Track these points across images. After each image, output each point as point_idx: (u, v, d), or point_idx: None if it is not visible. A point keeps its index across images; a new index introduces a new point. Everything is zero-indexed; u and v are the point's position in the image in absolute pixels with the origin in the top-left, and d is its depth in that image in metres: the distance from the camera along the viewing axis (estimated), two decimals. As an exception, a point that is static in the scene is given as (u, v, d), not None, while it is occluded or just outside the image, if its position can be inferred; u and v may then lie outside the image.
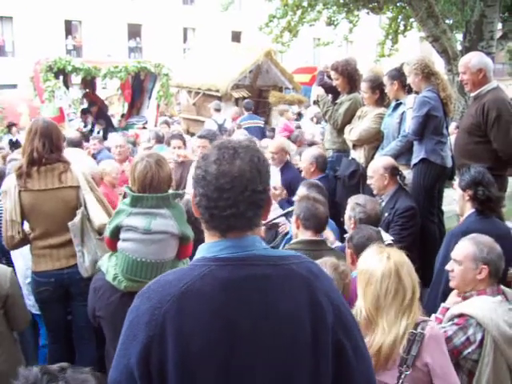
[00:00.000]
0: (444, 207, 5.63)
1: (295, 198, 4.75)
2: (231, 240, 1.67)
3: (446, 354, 2.65)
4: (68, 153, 6.68)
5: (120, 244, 3.31)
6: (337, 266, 3.15)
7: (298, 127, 12.02)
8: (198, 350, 1.55)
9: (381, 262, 2.66)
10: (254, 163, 1.66)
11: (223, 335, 1.56)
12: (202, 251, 1.72)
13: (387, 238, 4.44)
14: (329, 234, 4.38)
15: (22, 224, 4.05)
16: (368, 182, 5.11)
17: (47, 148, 4.00)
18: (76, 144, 7.49)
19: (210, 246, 1.70)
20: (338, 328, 1.68)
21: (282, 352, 1.61)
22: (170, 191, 3.43)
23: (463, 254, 3.18)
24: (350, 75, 6.07)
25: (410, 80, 5.27)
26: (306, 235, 3.79)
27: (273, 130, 12.05)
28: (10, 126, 14.05)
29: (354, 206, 4.27)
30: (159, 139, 8.92)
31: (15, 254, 4.51)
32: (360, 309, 2.66)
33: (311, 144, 8.67)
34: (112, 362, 3.35)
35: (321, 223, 3.84)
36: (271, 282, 1.64)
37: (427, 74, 5.16)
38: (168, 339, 1.55)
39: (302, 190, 4.69)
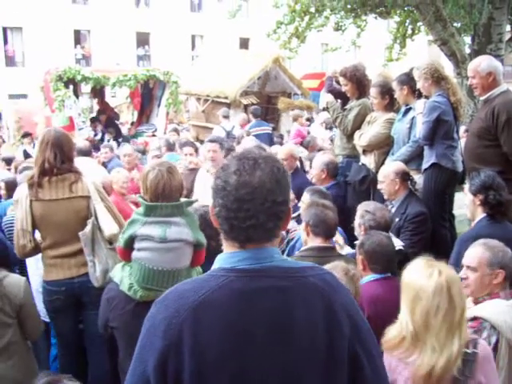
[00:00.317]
0: (455, 211, 5.60)
1: (300, 205, 4.75)
2: (250, 251, 1.67)
3: (496, 372, 2.62)
4: (79, 162, 6.76)
5: (135, 253, 3.31)
6: (347, 270, 3.16)
7: (308, 132, 12.02)
8: (213, 360, 1.56)
9: (431, 278, 2.53)
10: (274, 174, 1.66)
11: (237, 345, 1.58)
12: (219, 261, 1.72)
13: (397, 243, 4.43)
14: (339, 238, 4.38)
15: (34, 233, 4.08)
16: (379, 186, 5.10)
17: (59, 159, 4.04)
18: (85, 153, 7.54)
19: (229, 256, 1.70)
20: (354, 340, 1.68)
21: (295, 361, 1.61)
22: (183, 199, 3.44)
23: (478, 260, 3.14)
24: (358, 81, 6.06)
25: (419, 85, 5.25)
26: (315, 242, 3.78)
27: (281, 136, 12.03)
28: (24, 136, 14.07)
29: (363, 214, 4.26)
30: (170, 147, 8.96)
31: (30, 263, 4.55)
32: (406, 323, 2.55)
33: (319, 149, 8.67)
34: (126, 372, 3.35)
35: (330, 229, 3.84)
36: (287, 294, 1.64)
37: (437, 78, 5.13)
38: (185, 348, 1.56)
39: (305, 197, 4.69)
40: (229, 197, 1.63)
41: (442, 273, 2.53)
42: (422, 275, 2.56)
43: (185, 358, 1.56)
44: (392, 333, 2.59)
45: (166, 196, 3.27)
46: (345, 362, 1.66)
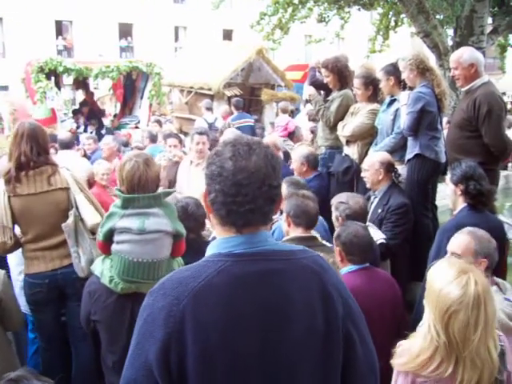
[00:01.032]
0: (437, 202, 5.64)
1: None
2: (245, 236, 1.69)
3: None
4: (61, 156, 6.71)
5: (115, 246, 3.29)
6: (326, 257, 3.17)
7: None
8: (215, 345, 1.57)
9: (468, 288, 2.32)
10: (269, 159, 1.69)
11: (238, 330, 1.59)
12: (214, 247, 1.73)
13: (379, 235, 4.45)
14: None
15: (13, 228, 4.02)
16: (362, 174, 5.10)
17: (35, 151, 3.97)
18: (67, 145, 7.47)
19: (224, 241, 1.71)
20: (347, 319, 1.73)
21: (295, 343, 1.65)
22: (160, 190, 3.43)
23: (463, 248, 3.17)
24: (340, 72, 6.06)
25: (404, 75, 5.24)
26: (297, 232, 3.78)
27: (262, 128, 12.01)
28: None
29: (337, 206, 4.29)
30: (153, 139, 8.92)
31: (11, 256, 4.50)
32: (437, 335, 2.36)
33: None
34: (108, 364, 3.33)
35: (311, 219, 3.84)
36: (284, 276, 1.67)
37: (422, 69, 5.13)
38: (187, 334, 1.56)
39: (282, 188, 4.69)
40: (226, 182, 1.64)
41: (478, 282, 2.35)
42: (456, 285, 2.35)
43: (187, 345, 1.56)
44: (415, 351, 2.42)
45: (141, 187, 3.25)
46: (340, 341, 1.71)
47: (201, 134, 6.22)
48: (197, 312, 1.58)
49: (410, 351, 2.44)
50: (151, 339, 1.59)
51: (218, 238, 1.75)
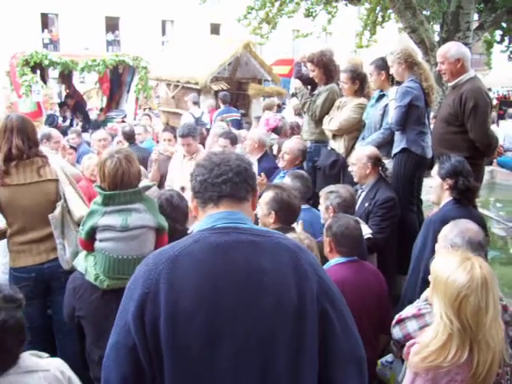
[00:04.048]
0: (423, 196, 5.67)
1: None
2: (223, 212, 1.90)
3: None
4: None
5: (98, 244, 3.26)
6: (300, 239, 3.22)
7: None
8: (186, 306, 1.70)
9: (475, 273, 2.36)
10: (239, 157, 2.02)
11: (210, 293, 1.72)
12: (197, 227, 1.92)
13: (366, 230, 4.46)
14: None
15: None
16: (350, 168, 5.11)
17: (26, 144, 3.97)
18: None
19: (204, 221, 1.92)
20: (322, 296, 1.82)
21: (266, 311, 1.74)
22: (141, 184, 3.41)
23: (441, 233, 3.23)
24: (325, 66, 6.07)
25: (393, 69, 5.26)
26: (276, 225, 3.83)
27: (249, 123, 11.99)
28: None
29: (327, 196, 4.31)
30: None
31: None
32: (451, 322, 2.36)
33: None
34: (93, 359, 3.33)
35: (296, 217, 3.94)
36: (258, 248, 1.83)
37: (410, 63, 5.16)
38: (161, 295, 1.71)
39: (287, 181, 4.71)
40: (204, 166, 1.97)
41: (482, 266, 2.39)
42: (461, 271, 2.38)
43: (161, 305, 1.70)
44: (433, 344, 2.39)
45: (124, 184, 3.23)
46: (315, 317, 1.79)
47: (182, 136, 6.19)
48: (171, 275, 1.75)
49: (427, 347, 2.39)
50: (131, 301, 1.77)
51: (200, 222, 1.93)
